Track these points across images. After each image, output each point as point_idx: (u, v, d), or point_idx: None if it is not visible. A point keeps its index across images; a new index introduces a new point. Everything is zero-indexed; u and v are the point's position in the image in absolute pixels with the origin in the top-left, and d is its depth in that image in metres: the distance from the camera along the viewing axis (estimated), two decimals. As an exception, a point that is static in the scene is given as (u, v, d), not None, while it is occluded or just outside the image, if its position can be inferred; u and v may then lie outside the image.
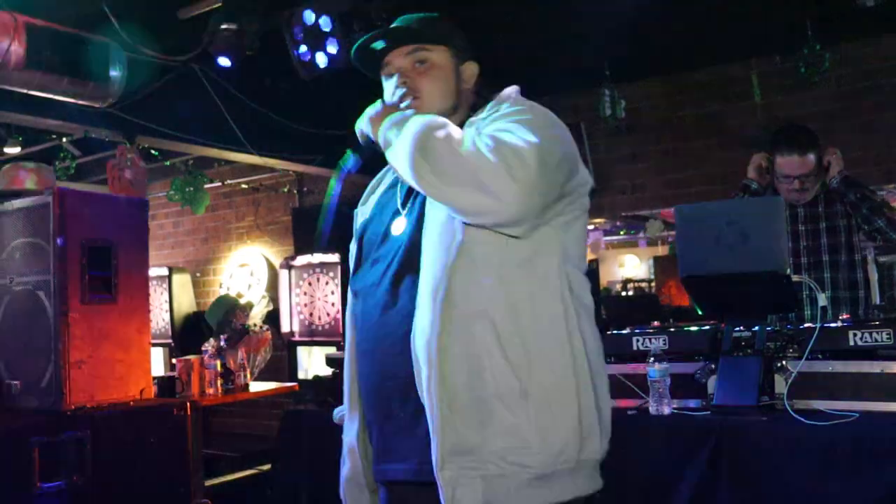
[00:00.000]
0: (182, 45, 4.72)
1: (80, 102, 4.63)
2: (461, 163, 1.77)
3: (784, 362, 2.89)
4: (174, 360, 4.96)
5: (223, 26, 4.07)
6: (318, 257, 7.51)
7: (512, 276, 1.85)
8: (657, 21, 5.26)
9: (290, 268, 7.80)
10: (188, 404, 4.03)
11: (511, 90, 2.11)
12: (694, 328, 3.25)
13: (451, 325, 1.82)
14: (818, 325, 2.87)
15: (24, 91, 4.40)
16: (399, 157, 1.87)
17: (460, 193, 1.77)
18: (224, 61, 4.30)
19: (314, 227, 7.94)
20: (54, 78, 4.32)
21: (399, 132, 1.89)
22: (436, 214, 1.90)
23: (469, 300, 1.83)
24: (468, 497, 1.78)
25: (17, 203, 3.77)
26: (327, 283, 7.49)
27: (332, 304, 7.44)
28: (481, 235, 1.84)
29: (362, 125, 2.05)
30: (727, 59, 6.05)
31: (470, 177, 1.75)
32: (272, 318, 7.83)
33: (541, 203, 1.79)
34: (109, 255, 3.76)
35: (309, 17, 4.16)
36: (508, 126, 1.83)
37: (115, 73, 4.52)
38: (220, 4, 4.18)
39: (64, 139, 6.88)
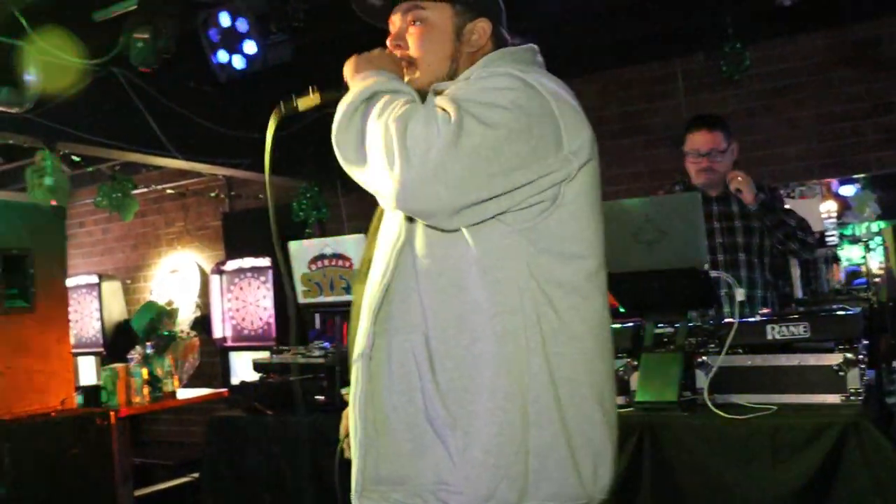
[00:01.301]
0: (99, 48, 4.61)
1: (-7, 108, 4.51)
2: (372, 129, 1.57)
3: (705, 358, 2.93)
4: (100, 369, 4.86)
5: (136, 35, 3.99)
6: (248, 262, 7.43)
7: (456, 284, 1.63)
8: (582, 19, 5.31)
9: (221, 273, 7.70)
10: (112, 413, 3.95)
11: (512, 52, 1.84)
12: (617, 325, 3.27)
13: (386, 338, 1.67)
14: (737, 320, 2.91)
15: (-67, 96, 4.27)
16: (337, 113, 1.65)
17: (354, 165, 1.60)
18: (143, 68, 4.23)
19: (245, 232, 7.85)
20: (-37, 83, 4.20)
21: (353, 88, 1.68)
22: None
23: (407, 312, 1.66)
24: None
25: (-73, 212, 3.66)
26: (258, 288, 7.41)
27: (265, 309, 7.37)
28: (424, 237, 1.66)
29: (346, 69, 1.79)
30: (652, 58, 6.13)
31: (369, 147, 1.57)
32: (204, 323, 7.73)
33: (448, 194, 1.51)
34: (26, 264, 3.68)
35: (225, 18, 4.11)
36: (463, 95, 1.60)
37: (29, 77, 4.41)
38: (135, 7, 4.10)
39: (-21, 146, 6.70)
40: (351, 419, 1.71)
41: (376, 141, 1.54)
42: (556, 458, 1.61)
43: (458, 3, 1.87)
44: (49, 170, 5.10)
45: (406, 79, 1.83)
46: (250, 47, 4.15)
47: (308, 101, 1.89)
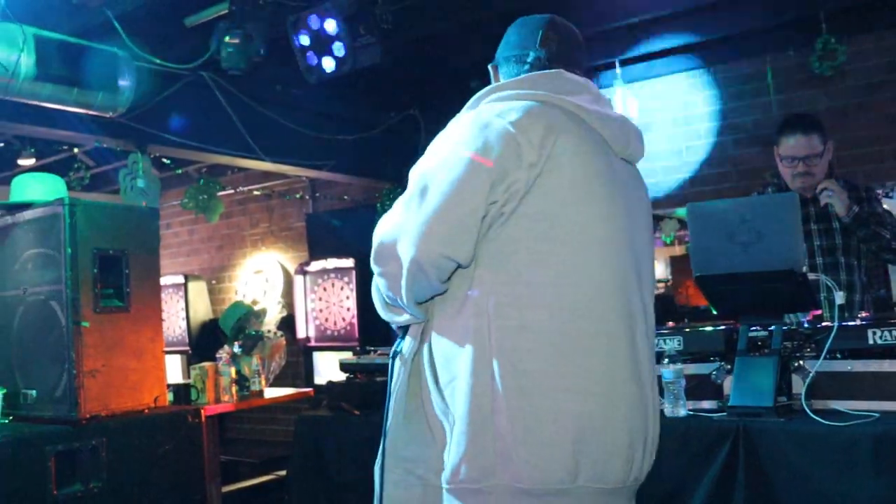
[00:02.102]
0: (190, 53, 4.72)
1: (90, 113, 4.63)
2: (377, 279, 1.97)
3: (801, 362, 2.85)
4: (190, 367, 4.96)
5: (227, 39, 4.06)
6: (332, 262, 7.51)
7: (452, 294, 1.87)
8: (667, 17, 5.23)
9: (304, 273, 7.80)
10: (202, 411, 4.02)
11: (485, 91, 2.01)
12: (709, 328, 3.20)
13: (422, 345, 1.94)
14: (836, 323, 2.82)
15: (35, 103, 4.41)
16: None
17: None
18: (234, 72, 4.30)
19: (328, 233, 7.93)
20: (63, 89, 4.32)
21: None
22: None
23: (428, 322, 1.94)
24: (404, 499, 1.94)
25: (28, 214, 3.76)
26: (342, 289, 7.48)
27: (348, 309, 7.43)
28: None
29: None
30: (740, 55, 5.99)
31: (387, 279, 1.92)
32: (288, 323, 7.84)
33: (441, 247, 1.79)
34: (121, 264, 3.76)
35: (314, 21, 4.14)
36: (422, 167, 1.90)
37: (123, 82, 4.52)
38: (225, 12, 4.17)
39: (76, 150, 6.91)
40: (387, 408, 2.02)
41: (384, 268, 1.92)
42: (515, 444, 1.75)
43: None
44: (141, 172, 5.24)
45: None
46: (339, 50, 4.17)
47: None
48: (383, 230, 1.90)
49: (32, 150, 6.80)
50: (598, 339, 1.81)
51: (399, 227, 1.84)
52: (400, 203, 1.88)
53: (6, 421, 3.61)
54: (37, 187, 3.84)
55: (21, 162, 7.05)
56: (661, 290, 8.58)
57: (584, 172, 1.84)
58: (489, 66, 2.18)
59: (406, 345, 2.01)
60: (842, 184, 3.69)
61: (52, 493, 3.37)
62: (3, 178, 8.07)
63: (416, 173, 1.88)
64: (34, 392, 3.71)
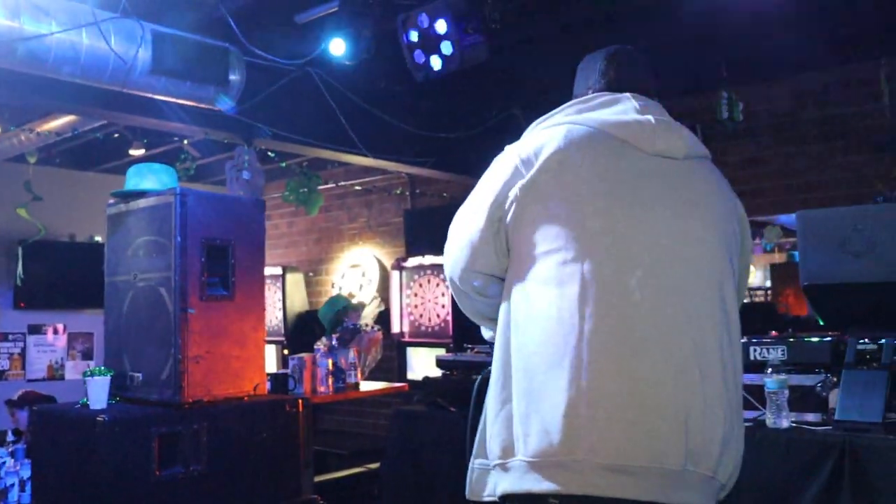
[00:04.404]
0: (299, 50, 4.81)
1: (201, 106, 4.76)
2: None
3: (913, 378, 2.75)
4: (288, 357, 5.06)
5: (336, 37, 4.11)
6: (429, 259, 7.55)
7: None
8: (776, 20, 5.09)
9: (401, 269, 7.87)
10: (300, 401, 4.09)
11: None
12: (815, 339, 3.12)
13: None
14: (951, 339, 2.71)
15: (149, 95, 4.56)
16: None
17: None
18: (338, 46, 4.29)
19: (425, 229, 7.95)
20: (177, 83, 4.45)
21: None
22: None
23: None
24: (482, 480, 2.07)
25: (142, 202, 3.89)
26: (438, 286, 7.52)
27: (443, 306, 7.47)
28: None
29: None
30: (854, 59, 5.80)
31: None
32: (383, 318, 7.93)
33: (464, 265, 2.08)
34: (227, 254, 3.85)
35: (424, 19, 4.17)
36: None
37: (234, 77, 4.64)
38: (335, 9, 4.23)
39: (185, 141, 7.11)
40: None
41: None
42: (521, 420, 1.87)
43: None
44: (246, 165, 5.37)
45: None
46: (447, 48, 4.20)
47: None
48: None
49: (145, 140, 7.03)
50: (598, 321, 1.85)
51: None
52: None
53: (113, 402, 3.74)
54: (151, 177, 3.96)
55: (132, 152, 7.29)
56: (761, 299, 8.40)
57: (577, 175, 1.98)
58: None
59: None
60: None
61: (155, 472, 3.49)
62: (115, 168, 8.39)
63: None
64: (140, 375, 3.84)
